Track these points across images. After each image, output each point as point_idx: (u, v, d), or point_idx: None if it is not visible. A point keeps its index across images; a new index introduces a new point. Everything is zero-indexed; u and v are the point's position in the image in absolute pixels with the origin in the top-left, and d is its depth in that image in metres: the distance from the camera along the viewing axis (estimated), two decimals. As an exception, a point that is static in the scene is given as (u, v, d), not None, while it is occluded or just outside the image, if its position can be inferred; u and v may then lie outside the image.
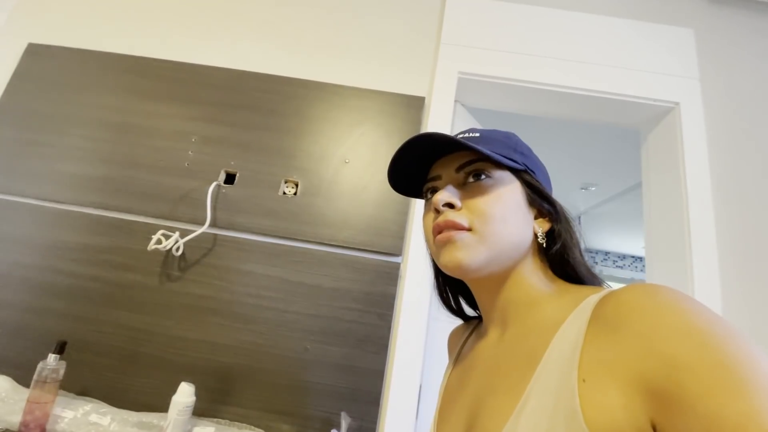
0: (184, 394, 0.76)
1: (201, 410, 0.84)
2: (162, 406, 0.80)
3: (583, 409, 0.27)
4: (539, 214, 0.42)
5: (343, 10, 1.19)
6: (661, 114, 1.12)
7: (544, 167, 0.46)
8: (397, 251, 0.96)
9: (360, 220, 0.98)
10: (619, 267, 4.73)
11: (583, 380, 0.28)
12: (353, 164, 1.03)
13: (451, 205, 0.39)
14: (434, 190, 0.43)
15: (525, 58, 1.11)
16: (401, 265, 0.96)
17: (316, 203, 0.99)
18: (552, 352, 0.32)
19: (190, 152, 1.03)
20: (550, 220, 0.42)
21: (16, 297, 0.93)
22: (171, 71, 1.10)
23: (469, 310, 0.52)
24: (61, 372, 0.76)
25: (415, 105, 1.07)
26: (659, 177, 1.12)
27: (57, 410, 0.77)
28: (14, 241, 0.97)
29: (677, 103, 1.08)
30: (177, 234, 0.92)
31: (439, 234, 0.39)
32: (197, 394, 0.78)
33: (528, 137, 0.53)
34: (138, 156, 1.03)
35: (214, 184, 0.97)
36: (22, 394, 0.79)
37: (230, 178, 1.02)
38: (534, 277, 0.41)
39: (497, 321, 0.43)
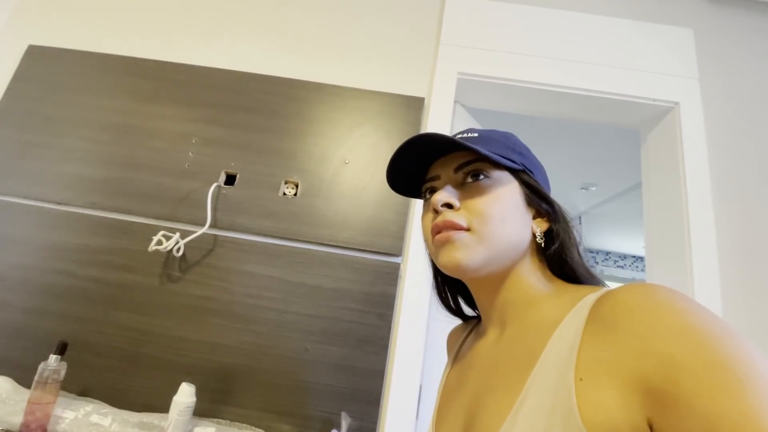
0: (185, 394, 0.76)
1: (201, 411, 0.84)
2: (163, 407, 0.80)
3: (580, 408, 0.27)
4: (537, 214, 0.43)
5: (343, 12, 1.19)
6: (661, 114, 1.12)
7: (542, 167, 0.46)
8: (397, 251, 0.96)
9: (360, 220, 0.98)
10: (620, 267, 4.73)
11: (581, 379, 0.28)
12: (353, 165, 1.03)
13: (449, 206, 0.39)
14: (433, 191, 0.43)
15: (524, 59, 1.11)
16: (401, 266, 0.96)
17: (316, 204, 1.00)
18: (549, 352, 0.32)
19: (190, 153, 1.04)
20: (549, 220, 0.42)
21: (16, 298, 0.93)
22: (171, 73, 1.11)
23: (468, 310, 0.52)
24: (62, 373, 0.76)
25: (415, 106, 1.07)
26: (659, 177, 1.13)
27: (58, 411, 0.78)
28: (15, 242, 0.97)
29: (677, 103, 1.08)
30: (177, 235, 0.93)
31: (438, 234, 0.39)
32: (198, 394, 0.79)
33: (528, 137, 0.54)
34: (138, 157, 1.03)
35: (214, 185, 0.98)
36: (23, 394, 0.79)
37: (230, 179, 1.03)
38: (532, 277, 0.41)
39: (496, 321, 0.43)
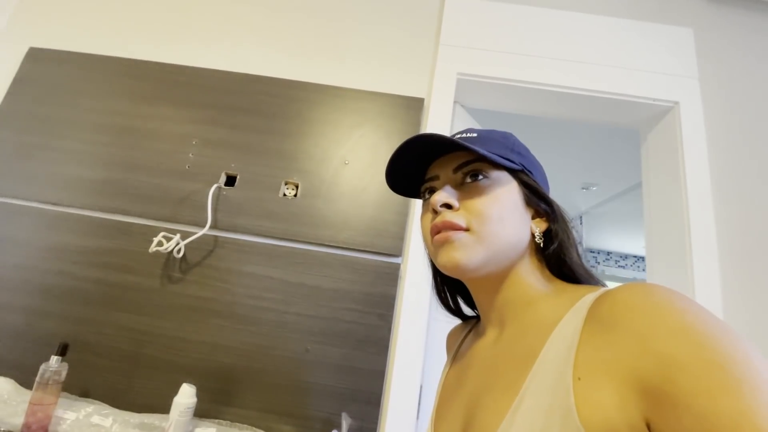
0: (186, 395, 0.76)
1: (202, 411, 0.84)
2: (163, 408, 0.80)
3: (578, 408, 0.27)
4: (536, 214, 0.43)
5: (343, 13, 1.19)
6: (661, 113, 1.12)
7: (541, 167, 0.46)
8: (397, 252, 0.96)
9: (360, 221, 0.98)
10: (622, 267, 4.72)
11: (579, 379, 0.28)
12: (353, 166, 1.03)
13: (448, 206, 0.39)
14: (432, 191, 0.43)
15: (524, 59, 1.11)
16: (401, 266, 0.96)
17: (316, 205, 1.00)
18: (548, 351, 0.32)
19: (190, 155, 1.04)
20: (548, 220, 0.42)
21: (18, 299, 0.93)
22: (172, 74, 1.11)
23: (467, 310, 0.52)
24: (63, 374, 0.76)
25: (415, 106, 1.07)
26: (659, 176, 1.12)
27: (59, 412, 0.78)
28: (16, 244, 0.97)
29: (677, 103, 1.08)
30: (178, 236, 0.93)
31: (437, 234, 0.39)
32: (198, 395, 0.79)
33: (528, 137, 0.54)
34: (139, 159, 1.04)
35: (214, 186, 0.98)
36: (25, 396, 0.79)
37: (231, 180, 1.03)
38: (531, 276, 0.41)
39: (495, 320, 0.43)
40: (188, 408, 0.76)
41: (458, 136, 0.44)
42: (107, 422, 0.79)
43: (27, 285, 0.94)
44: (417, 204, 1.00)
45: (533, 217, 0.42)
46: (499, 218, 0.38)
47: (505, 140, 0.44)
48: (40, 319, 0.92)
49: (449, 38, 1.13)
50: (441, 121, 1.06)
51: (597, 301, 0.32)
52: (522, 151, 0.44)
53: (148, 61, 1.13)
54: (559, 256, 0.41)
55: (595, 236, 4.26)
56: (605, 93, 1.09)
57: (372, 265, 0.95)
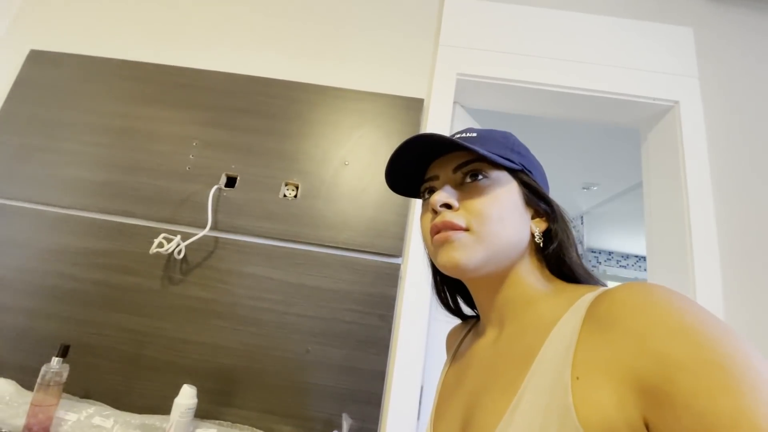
0: (186, 396, 0.76)
1: (203, 412, 0.85)
2: (164, 409, 0.81)
3: (576, 407, 0.27)
4: (536, 213, 0.43)
5: (343, 15, 1.19)
6: (661, 113, 1.12)
7: (541, 167, 0.46)
8: (397, 252, 0.96)
9: (360, 221, 0.98)
10: (623, 267, 4.70)
11: (577, 378, 0.28)
12: (353, 166, 1.03)
13: (448, 206, 0.39)
14: (432, 190, 0.44)
15: (523, 59, 1.11)
16: (401, 266, 0.96)
17: (317, 205, 1.00)
18: (546, 351, 0.32)
19: (191, 156, 1.04)
20: (547, 220, 0.42)
21: (19, 301, 0.94)
22: (172, 76, 1.11)
23: (467, 310, 0.52)
24: (65, 375, 0.77)
25: (414, 107, 1.07)
26: (659, 176, 1.12)
27: (60, 413, 0.78)
28: (17, 246, 0.98)
29: (677, 102, 1.08)
30: (178, 237, 0.93)
31: (437, 234, 0.39)
32: (199, 396, 0.79)
33: (528, 137, 0.54)
34: (139, 160, 1.04)
35: (215, 187, 0.98)
36: (26, 397, 0.80)
37: (231, 182, 1.03)
38: (531, 276, 0.41)
39: (494, 320, 0.43)
40: (189, 409, 0.76)
41: (458, 135, 0.44)
42: (108, 423, 0.79)
43: (28, 287, 0.95)
44: (417, 204, 1.00)
45: (533, 217, 0.42)
46: (499, 218, 0.38)
47: (505, 140, 0.44)
48: (41, 321, 0.92)
49: (449, 39, 1.14)
50: (441, 121, 1.06)
51: (596, 301, 0.32)
52: (522, 150, 0.44)
53: (148, 63, 1.13)
54: (558, 256, 0.41)
55: (597, 236, 4.26)
56: (605, 92, 1.09)
57: (372, 265, 0.95)
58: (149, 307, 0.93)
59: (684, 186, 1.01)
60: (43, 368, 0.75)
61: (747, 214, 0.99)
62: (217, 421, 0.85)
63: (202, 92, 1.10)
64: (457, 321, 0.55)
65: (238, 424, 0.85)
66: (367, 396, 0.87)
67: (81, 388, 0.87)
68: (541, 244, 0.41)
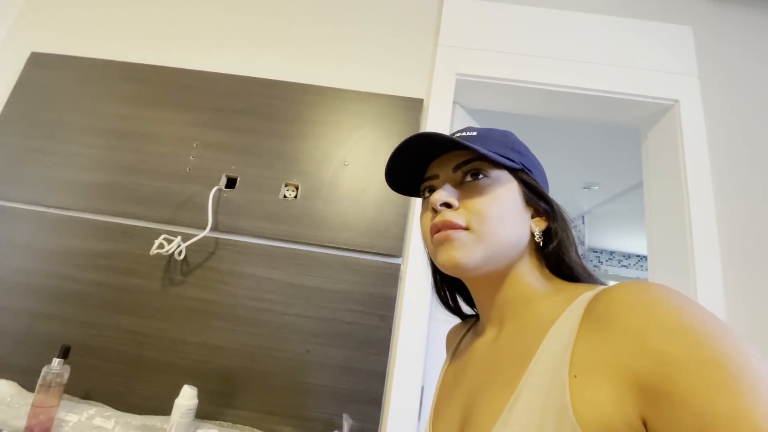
0: (187, 396, 0.76)
1: (204, 413, 0.85)
2: (165, 409, 0.81)
3: (573, 405, 0.27)
4: (536, 213, 0.43)
5: (342, 16, 1.20)
6: (661, 112, 1.12)
7: (541, 166, 0.46)
8: (398, 253, 0.96)
9: (360, 222, 0.98)
10: (625, 267, 4.70)
11: (575, 376, 0.28)
12: (353, 167, 1.03)
13: (448, 205, 0.39)
14: (432, 189, 0.44)
15: (523, 59, 1.11)
16: (401, 267, 0.96)
17: (317, 206, 1.00)
18: (545, 349, 0.32)
19: (191, 157, 1.04)
20: (547, 219, 0.42)
21: (20, 302, 0.94)
22: (172, 78, 1.12)
23: (466, 309, 0.52)
24: (65, 376, 0.77)
25: (414, 107, 1.07)
26: (660, 174, 1.12)
27: (61, 414, 0.78)
28: (18, 248, 0.98)
29: (677, 101, 1.07)
30: (179, 238, 0.93)
31: (437, 233, 0.39)
32: (200, 396, 0.79)
33: (528, 137, 0.54)
34: (140, 162, 1.04)
35: (215, 188, 0.98)
36: (27, 398, 0.80)
37: (231, 183, 1.03)
38: (530, 275, 0.41)
39: (494, 319, 0.43)
40: (189, 410, 0.76)
41: (458, 134, 0.44)
42: (109, 424, 0.79)
43: (29, 288, 0.95)
44: (417, 204, 1.00)
45: (533, 216, 0.42)
46: (499, 217, 0.38)
47: (505, 139, 0.44)
48: (42, 322, 0.92)
49: (448, 39, 1.14)
50: (440, 121, 1.06)
51: (594, 300, 0.32)
52: (522, 149, 0.44)
53: (148, 65, 1.13)
54: (558, 255, 0.41)
55: (598, 236, 4.25)
56: (605, 92, 1.09)
57: (372, 265, 0.95)
58: (150, 308, 0.93)
59: (684, 185, 1.00)
60: (44, 369, 0.75)
61: (747, 213, 0.99)
62: (217, 422, 0.85)
63: (202, 94, 1.10)
64: (457, 320, 0.55)
65: (239, 425, 0.85)
66: (368, 396, 0.87)
67: (82, 389, 0.87)
68: (541, 243, 0.41)
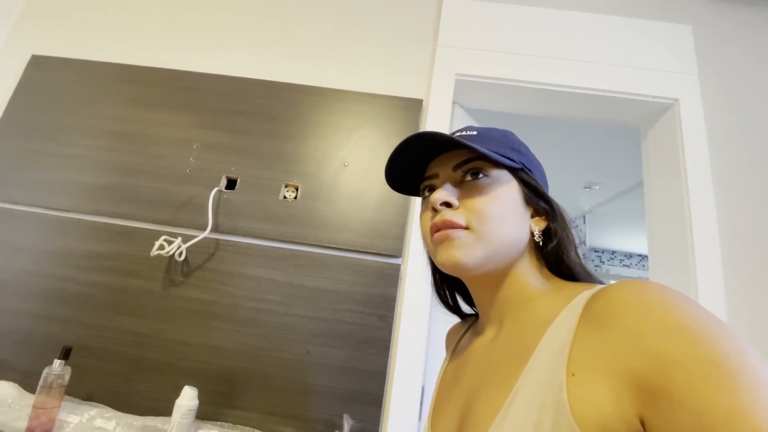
0: (187, 397, 0.77)
1: (204, 414, 0.85)
2: (166, 410, 0.81)
3: (570, 403, 0.27)
4: (536, 212, 0.43)
5: (341, 17, 1.20)
6: (661, 111, 1.11)
7: (540, 165, 0.46)
8: (398, 253, 0.96)
9: (360, 222, 0.98)
10: (626, 266, 4.69)
11: (573, 374, 0.29)
12: (352, 167, 1.03)
13: (448, 204, 0.39)
14: (431, 188, 0.44)
15: (522, 58, 1.11)
16: (401, 267, 0.96)
17: (317, 207, 1.00)
18: (543, 348, 0.33)
19: (191, 159, 1.05)
20: (547, 219, 0.42)
21: (21, 304, 0.94)
22: (172, 80, 1.12)
23: (466, 308, 0.52)
24: (67, 377, 0.77)
25: (413, 107, 1.07)
26: (660, 173, 1.12)
27: (62, 415, 0.78)
28: (19, 249, 0.98)
29: (676, 100, 1.07)
30: (179, 239, 0.93)
31: (437, 232, 0.39)
32: (200, 397, 0.79)
33: (528, 137, 0.54)
34: (140, 164, 1.04)
35: (215, 189, 0.98)
36: (28, 399, 0.80)
37: (231, 184, 1.03)
38: (530, 275, 0.41)
39: (493, 318, 0.43)
40: (190, 410, 0.76)
41: (458, 134, 0.44)
42: (110, 425, 0.79)
43: (30, 290, 0.95)
44: (417, 205, 1.00)
45: (532, 216, 0.42)
46: (499, 217, 0.38)
47: (505, 138, 0.44)
48: (44, 324, 0.93)
49: (447, 39, 1.14)
50: (440, 121, 1.06)
51: (592, 298, 0.32)
52: (522, 149, 0.44)
53: (148, 67, 1.14)
54: (557, 255, 0.41)
55: (599, 235, 4.24)
56: (604, 91, 1.09)
57: (372, 266, 0.95)
58: (150, 309, 0.93)
59: (684, 183, 1.00)
60: (45, 371, 0.75)
61: (748, 211, 0.99)
62: (218, 423, 0.85)
63: (202, 95, 1.10)
64: (456, 319, 0.55)
65: (240, 426, 0.85)
66: (368, 397, 0.87)
67: (83, 390, 0.87)
68: (541, 243, 0.41)
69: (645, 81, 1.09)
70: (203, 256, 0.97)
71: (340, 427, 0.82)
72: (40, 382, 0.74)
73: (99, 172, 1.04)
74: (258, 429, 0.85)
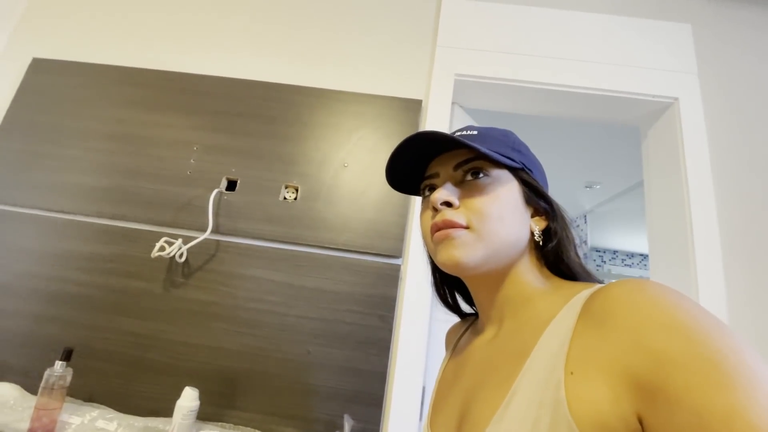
0: (189, 398, 0.77)
1: (205, 414, 0.85)
2: (167, 411, 0.81)
3: (568, 401, 0.27)
4: (536, 212, 0.43)
5: (341, 18, 1.20)
6: (661, 110, 1.11)
7: (540, 165, 0.47)
8: (397, 253, 0.96)
9: (360, 223, 0.98)
10: (628, 266, 4.68)
11: (571, 373, 0.29)
12: (352, 168, 1.03)
13: (449, 204, 0.40)
14: (432, 188, 0.44)
15: (521, 58, 1.11)
16: (401, 267, 0.96)
17: (317, 207, 1.00)
18: (541, 347, 0.33)
19: (192, 161, 1.05)
20: (547, 219, 0.42)
21: (23, 306, 0.94)
22: (172, 82, 1.12)
23: (465, 307, 0.53)
24: (68, 379, 0.77)
25: (413, 108, 1.08)
26: (660, 172, 1.12)
27: (64, 417, 0.78)
28: (21, 251, 0.99)
29: (676, 99, 1.07)
30: (180, 241, 0.94)
31: (437, 232, 0.39)
32: (201, 398, 0.79)
33: (528, 136, 0.54)
34: (141, 165, 1.05)
35: (215, 191, 0.99)
36: (30, 401, 0.80)
37: (232, 185, 1.03)
38: (529, 274, 0.41)
39: (493, 318, 0.43)
40: (191, 411, 0.76)
41: (458, 133, 0.44)
42: (112, 426, 0.79)
43: (31, 292, 0.95)
44: (417, 205, 1.00)
45: (533, 216, 0.42)
46: (499, 216, 0.38)
47: (506, 138, 0.44)
48: (45, 325, 0.93)
49: (446, 40, 1.14)
50: (439, 122, 1.06)
51: (591, 297, 0.32)
52: (522, 149, 0.44)
53: (149, 69, 1.14)
54: (557, 254, 0.41)
55: (601, 235, 4.23)
56: (604, 90, 1.09)
57: (372, 266, 0.95)
58: (151, 311, 0.93)
59: (684, 182, 1.00)
60: (47, 372, 0.75)
61: (748, 210, 0.98)
62: (219, 423, 0.85)
63: (202, 97, 1.11)
64: (456, 319, 0.55)
65: (240, 426, 0.85)
66: (369, 397, 0.87)
67: (84, 391, 0.87)
68: (541, 243, 0.42)
69: (645, 80, 1.09)
70: (204, 258, 0.97)
71: (341, 428, 0.82)
72: (42, 384, 0.75)
73: (100, 174, 1.04)
74: (259, 429, 0.85)
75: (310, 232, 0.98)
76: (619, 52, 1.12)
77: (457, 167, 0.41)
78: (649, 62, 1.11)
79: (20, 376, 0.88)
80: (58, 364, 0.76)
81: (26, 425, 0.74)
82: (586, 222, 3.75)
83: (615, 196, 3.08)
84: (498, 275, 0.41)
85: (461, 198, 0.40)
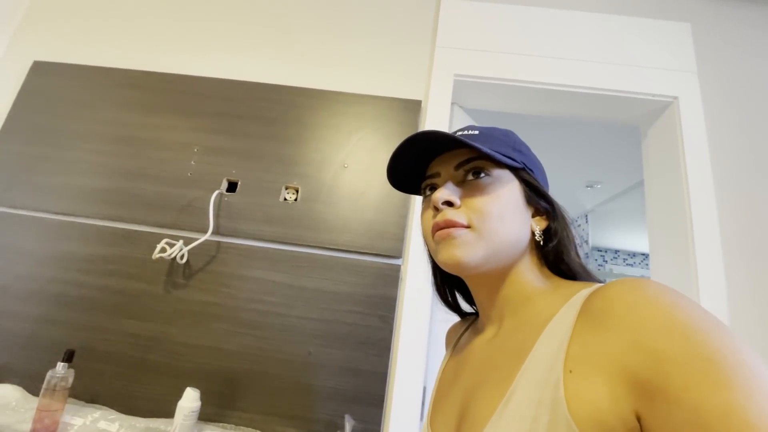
0: (190, 399, 0.77)
1: (206, 415, 0.85)
2: (168, 412, 0.81)
3: (567, 400, 0.27)
4: (536, 212, 0.43)
5: (340, 19, 1.20)
6: (660, 109, 1.11)
7: (541, 165, 0.47)
8: (398, 253, 0.96)
9: (360, 223, 0.99)
10: (630, 265, 4.67)
11: (570, 372, 0.29)
12: (352, 169, 1.03)
13: (450, 203, 0.40)
14: (433, 187, 0.44)
15: (521, 58, 1.11)
16: (402, 267, 0.96)
17: (317, 208, 1.00)
18: (541, 345, 0.33)
19: (192, 162, 1.05)
20: (548, 218, 0.43)
21: (25, 308, 0.95)
22: (172, 84, 1.13)
23: (466, 306, 0.53)
24: (70, 380, 0.77)
25: (413, 108, 1.08)
26: (660, 171, 1.12)
27: (66, 418, 0.79)
28: (23, 253, 0.99)
29: (676, 98, 1.07)
30: (181, 242, 0.94)
31: (438, 231, 0.39)
32: (203, 399, 0.79)
33: (528, 136, 0.54)
34: (142, 167, 1.05)
35: (216, 192, 0.99)
36: (32, 402, 0.80)
37: (232, 186, 1.04)
38: (530, 273, 0.41)
39: (494, 317, 0.43)
40: (192, 412, 0.76)
41: (459, 133, 0.45)
42: (113, 427, 0.80)
43: (33, 293, 0.96)
44: (417, 205, 1.00)
45: (533, 215, 0.43)
46: (500, 216, 0.39)
47: (507, 138, 0.44)
48: (47, 327, 0.93)
49: (445, 40, 1.14)
50: (439, 122, 1.06)
51: (590, 297, 0.32)
52: (523, 149, 0.44)
53: (149, 72, 1.15)
54: (557, 254, 0.41)
55: (602, 234, 4.23)
56: (604, 90, 1.09)
57: (373, 267, 0.95)
58: (153, 312, 0.94)
59: (685, 181, 1.00)
60: (49, 373, 0.76)
61: (748, 208, 0.98)
62: (220, 424, 0.85)
63: (202, 99, 1.11)
64: (456, 318, 0.55)
65: (242, 427, 0.85)
66: (370, 397, 0.87)
67: (86, 392, 0.88)
68: (541, 242, 0.42)
69: (644, 79, 1.09)
70: (205, 259, 0.97)
71: (342, 428, 0.82)
72: (44, 385, 0.75)
73: (100, 176, 1.05)
74: (260, 430, 0.85)
75: (311, 233, 0.98)
76: (619, 52, 1.12)
77: (458, 167, 0.41)
78: (648, 61, 1.11)
79: (22, 378, 0.88)
80: (60, 366, 0.77)
81: (28, 426, 0.74)
82: (587, 221, 3.75)
83: (616, 196, 3.08)
84: (498, 275, 0.41)
85: (462, 197, 0.40)
